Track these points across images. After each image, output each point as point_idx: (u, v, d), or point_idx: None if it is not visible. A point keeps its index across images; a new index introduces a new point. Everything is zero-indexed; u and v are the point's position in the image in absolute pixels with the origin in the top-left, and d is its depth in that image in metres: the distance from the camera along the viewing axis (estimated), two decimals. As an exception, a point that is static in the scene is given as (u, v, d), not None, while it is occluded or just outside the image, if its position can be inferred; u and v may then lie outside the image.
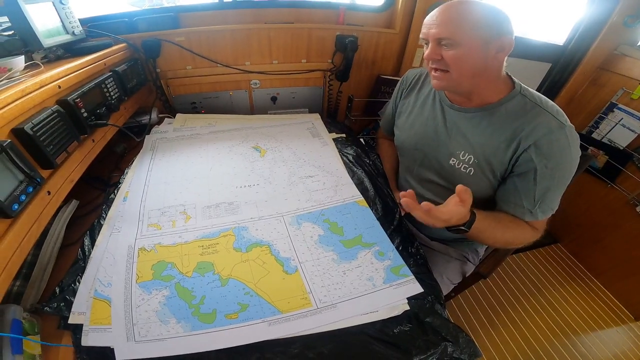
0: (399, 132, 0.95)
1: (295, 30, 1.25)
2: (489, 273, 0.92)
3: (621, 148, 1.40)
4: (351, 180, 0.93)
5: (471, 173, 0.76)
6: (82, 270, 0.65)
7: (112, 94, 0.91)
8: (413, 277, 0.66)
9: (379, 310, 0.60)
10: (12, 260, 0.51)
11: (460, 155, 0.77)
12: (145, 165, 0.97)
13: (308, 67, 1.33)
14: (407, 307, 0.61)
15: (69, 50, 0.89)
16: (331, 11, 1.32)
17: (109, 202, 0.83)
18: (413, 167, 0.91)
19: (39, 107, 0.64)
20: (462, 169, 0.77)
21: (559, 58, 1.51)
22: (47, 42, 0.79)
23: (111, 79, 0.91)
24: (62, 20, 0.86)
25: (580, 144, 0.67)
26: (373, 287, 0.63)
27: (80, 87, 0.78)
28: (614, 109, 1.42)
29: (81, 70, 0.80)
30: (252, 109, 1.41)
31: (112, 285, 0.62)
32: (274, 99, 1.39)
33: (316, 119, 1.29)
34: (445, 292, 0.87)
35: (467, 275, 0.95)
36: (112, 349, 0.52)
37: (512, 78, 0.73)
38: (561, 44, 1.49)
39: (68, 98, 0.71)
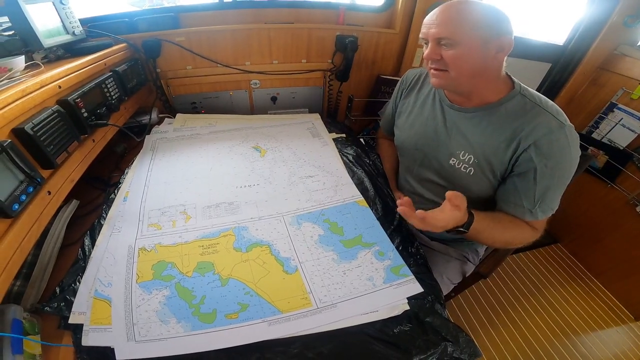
0: (399, 132, 0.95)
1: (295, 30, 1.25)
2: (489, 273, 0.92)
3: (621, 148, 1.40)
4: (351, 180, 0.93)
5: (471, 173, 0.76)
6: (83, 270, 0.65)
7: (112, 94, 0.91)
8: (413, 277, 0.66)
9: (379, 310, 0.60)
10: (13, 260, 0.51)
11: (461, 155, 0.77)
12: (145, 165, 0.97)
13: (308, 67, 1.33)
14: (407, 307, 0.61)
15: (69, 50, 0.89)
16: (331, 11, 1.32)
17: (109, 202, 0.83)
18: (413, 167, 0.91)
19: (40, 107, 0.64)
20: (462, 168, 0.77)
21: (559, 58, 1.51)
22: (47, 42, 0.79)
23: (111, 79, 0.92)
24: (62, 21, 0.86)
25: (580, 144, 0.67)
26: (373, 287, 0.64)
27: (81, 87, 0.79)
28: (614, 109, 1.42)
29: (81, 70, 0.80)
30: (252, 109, 1.41)
31: (113, 285, 0.62)
32: (274, 99, 1.39)
33: (316, 119, 1.29)
34: (445, 292, 0.87)
35: (467, 275, 0.95)
36: (113, 349, 0.52)
37: (511, 78, 0.73)
38: (561, 44, 1.49)
39: (68, 98, 0.71)
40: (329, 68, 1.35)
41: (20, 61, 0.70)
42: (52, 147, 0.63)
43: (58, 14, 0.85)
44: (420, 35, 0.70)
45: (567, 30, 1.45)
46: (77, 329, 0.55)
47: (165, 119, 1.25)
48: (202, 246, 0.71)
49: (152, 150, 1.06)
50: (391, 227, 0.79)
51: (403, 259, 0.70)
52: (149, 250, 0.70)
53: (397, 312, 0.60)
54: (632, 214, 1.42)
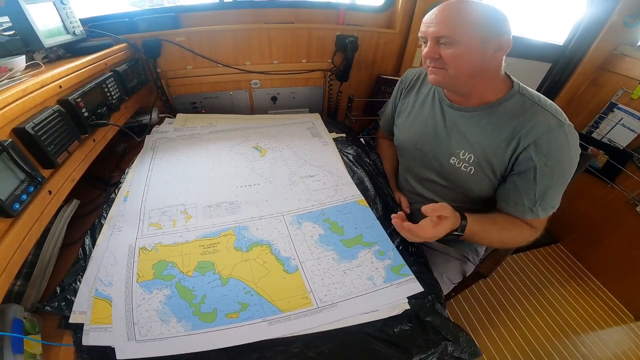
0: (399, 131, 0.95)
1: (295, 30, 1.25)
2: (489, 273, 0.92)
3: (621, 148, 1.40)
4: (351, 180, 0.93)
5: (472, 172, 0.76)
6: (83, 269, 0.65)
7: (112, 93, 0.91)
8: (413, 276, 0.66)
9: (379, 310, 0.60)
10: (13, 260, 0.52)
11: (461, 155, 0.77)
12: (145, 165, 0.98)
13: (308, 67, 1.34)
14: (408, 307, 0.61)
15: (70, 50, 0.89)
16: (331, 11, 1.33)
17: (109, 202, 0.83)
18: (413, 167, 0.91)
19: (40, 107, 0.64)
20: (462, 168, 0.77)
21: (559, 58, 1.51)
22: (48, 42, 0.79)
23: (112, 78, 0.92)
24: (62, 20, 0.86)
25: (580, 143, 0.67)
26: (373, 287, 0.64)
27: (81, 87, 0.79)
28: (614, 109, 1.42)
29: (82, 70, 0.80)
30: (253, 109, 1.41)
31: (113, 284, 0.62)
32: (274, 98, 1.39)
33: (316, 119, 1.29)
34: (445, 291, 0.87)
35: (467, 275, 0.95)
36: (113, 348, 0.52)
37: (510, 77, 0.73)
38: (561, 44, 1.49)
39: (69, 98, 0.72)
40: (329, 68, 1.35)
41: (20, 61, 0.70)
42: (52, 146, 0.63)
43: (59, 13, 0.85)
44: (419, 34, 0.70)
45: (567, 30, 1.45)
46: (78, 328, 0.55)
47: (166, 118, 1.25)
48: (203, 246, 0.71)
49: (152, 150, 1.06)
50: (391, 226, 0.79)
51: (403, 258, 0.70)
52: (149, 249, 0.70)
53: (397, 311, 0.60)
54: (632, 214, 1.42)
